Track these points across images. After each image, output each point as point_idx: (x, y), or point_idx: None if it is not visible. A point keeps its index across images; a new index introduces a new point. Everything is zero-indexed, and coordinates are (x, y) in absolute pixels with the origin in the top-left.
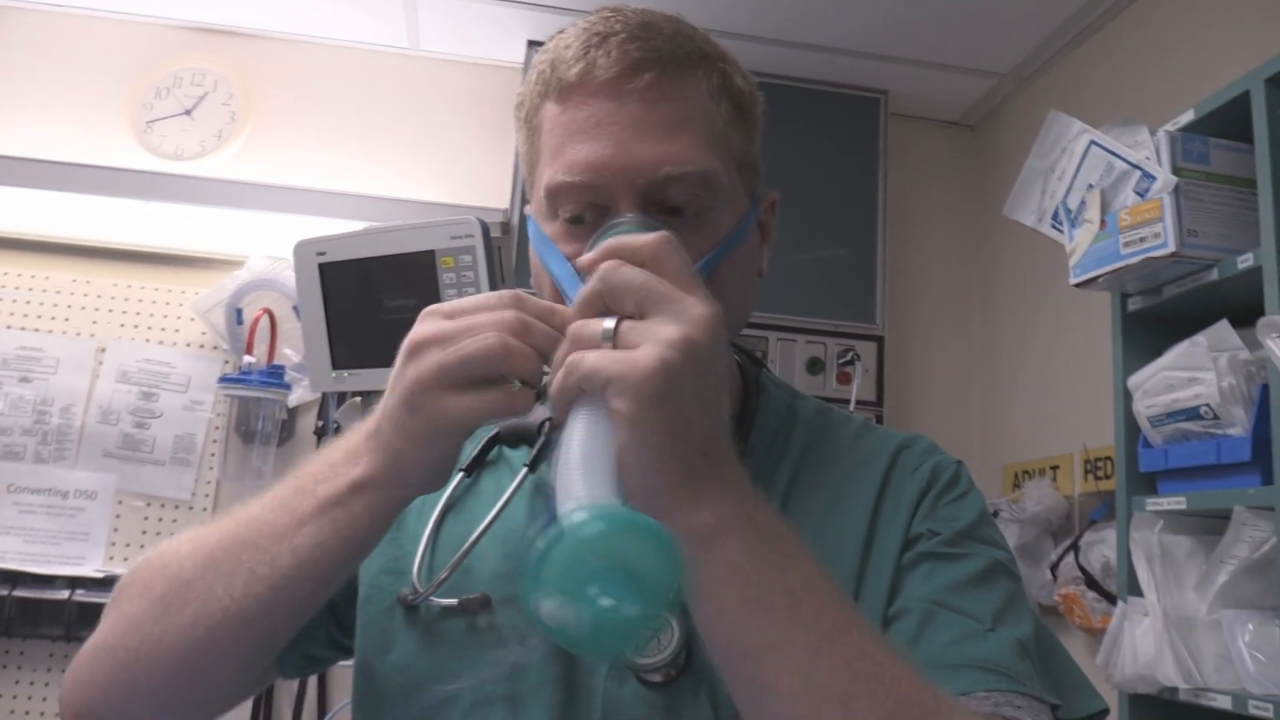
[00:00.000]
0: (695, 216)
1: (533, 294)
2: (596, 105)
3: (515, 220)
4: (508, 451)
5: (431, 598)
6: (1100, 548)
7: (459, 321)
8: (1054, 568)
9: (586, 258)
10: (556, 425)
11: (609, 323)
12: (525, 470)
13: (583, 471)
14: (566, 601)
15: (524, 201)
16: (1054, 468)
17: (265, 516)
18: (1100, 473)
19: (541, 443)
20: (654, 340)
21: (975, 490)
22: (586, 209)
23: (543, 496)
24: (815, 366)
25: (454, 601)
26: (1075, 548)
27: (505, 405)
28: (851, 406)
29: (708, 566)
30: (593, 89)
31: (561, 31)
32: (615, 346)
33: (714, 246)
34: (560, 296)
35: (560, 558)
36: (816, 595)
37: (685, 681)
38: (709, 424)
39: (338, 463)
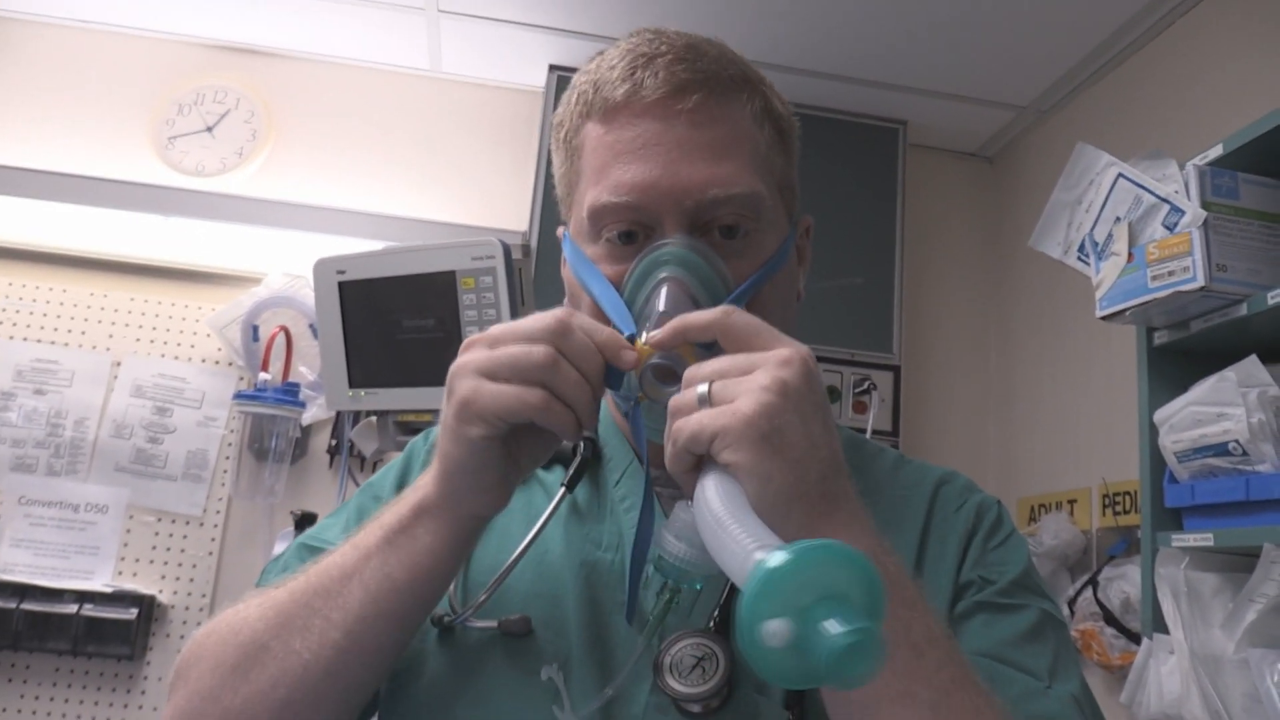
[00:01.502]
0: (740, 239)
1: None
2: (643, 126)
3: (535, 243)
4: (539, 471)
5: (469, 620)
6: (1119, 583)
7: (500, 351)
8: (1072, 603)
9: (656, 338)
10: (597, 450)
11: (702, 388)
12: (563, 490)
13: (740, 526)
14: (798, 627)
15: (546, 224)
16: (1071, 501)
17: (335, 559)
18: (1119, 507)
19: (578, 463)
20: (749, 389)
21: (1018, 533)
22: (632, 229)
23: (578, 518)
24: (831, 395)
25: (493, 623)
26: (1094, 583)
27: (544, 407)
28: (867, 436)
29: None
30: (639, 109)
31: (601, 53)
32: (713, 406)
33: (758, 269)
34: (600, 316)
35: (785, 581)
36: (937, 648)
37: (726, 714)
38: (823, 460)
39: (408, 493)
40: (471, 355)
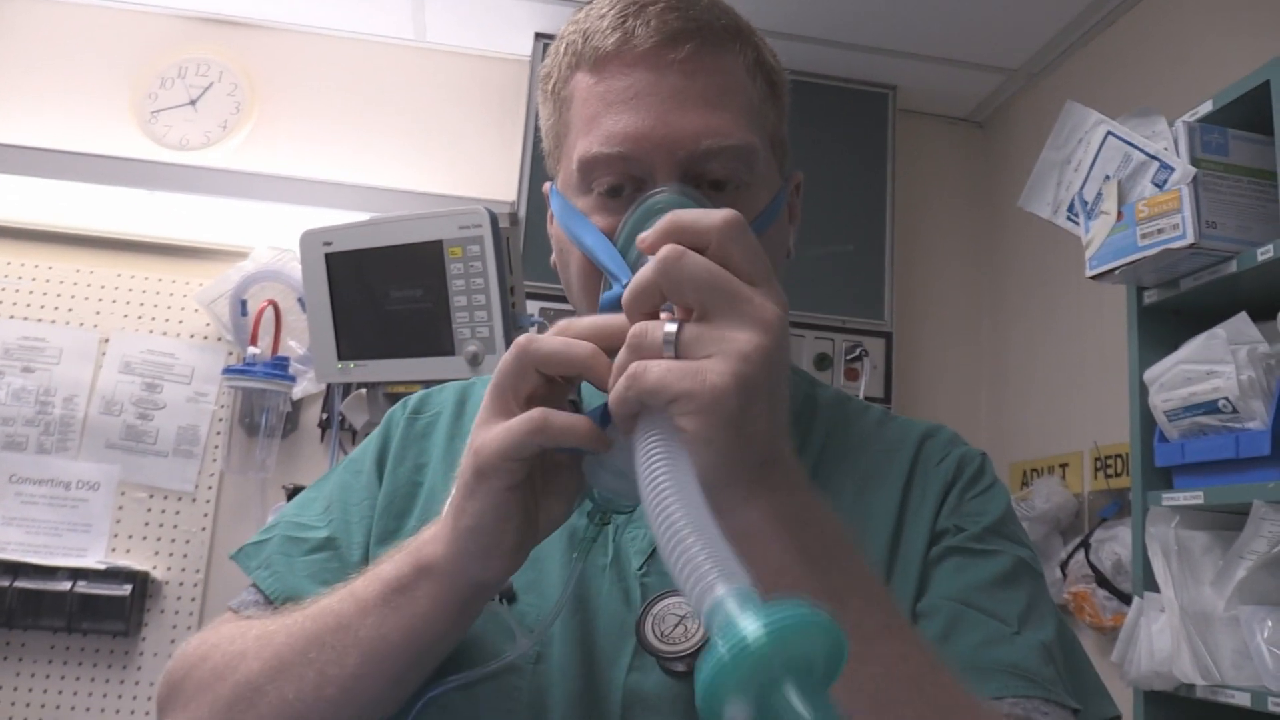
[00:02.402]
0: (733, 191)
1: (540, 324)
2: (635, 75)
3: (523, 211)
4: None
5: None
6: (1111, 545)
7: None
8: (1064, 566)
9: (647, 236)
10: (611, 439)
11: (671, 327)
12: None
13: (700, 539)
14: (756, 709)
15: (533, 193)
16: (1063, 465)
17: (334, 606)
18: (1111, 470)
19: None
20: (725, 352)
21: (1000, 483)
22: (623, 181)
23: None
24: (823, 362)
25: None
26: (1086, 545)
27: (542, 423)
28: None
29: (750, 565)
30: (631, 59)
31: (590, 3)
32: (679, 355)
33: (750, 222)
34: (591, 269)
35: (743, 673)
36: (859, 598)
37: None
38: (774, 428)
39: (412, 543)
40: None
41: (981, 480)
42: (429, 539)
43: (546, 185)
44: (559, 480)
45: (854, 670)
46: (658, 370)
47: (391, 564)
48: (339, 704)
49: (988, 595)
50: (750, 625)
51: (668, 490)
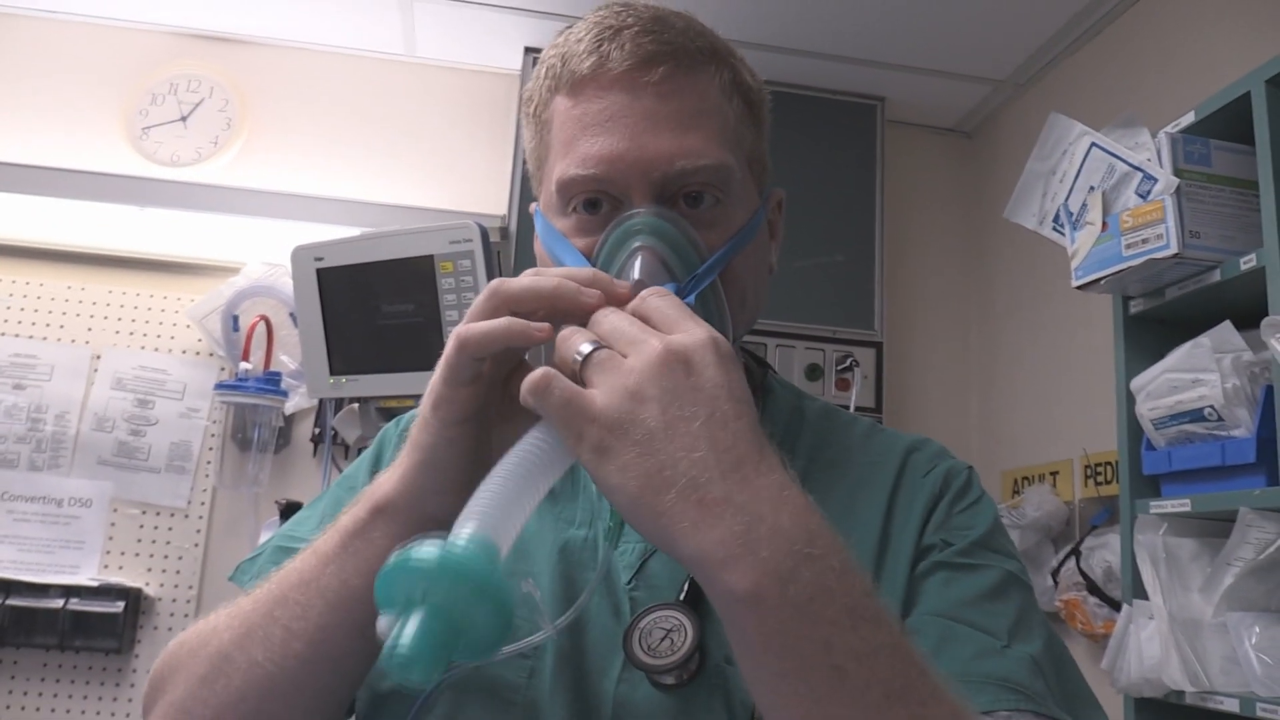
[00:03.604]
0: (708, 209)
1: None
2: (610, 98)
3: (513, 226)
4: None
5: None
6: (1102, 553)
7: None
8: (1055, 574)
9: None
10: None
11: (586, 347)
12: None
13: (498, 495)
14: (394, 615)
15: (524, 207)
16: (1054, 473)
17: (296, 565)
18: (1101, 478)
19: None
20: (613, 375)
21: (987, 497)
22: (601, 202)
23: (549, 498)
24: (814, 373)
25: None
26: (1076, 553)
27: (524, 330)
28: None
29: (740, 632)
30: (606, 82)
31: (570, 27)
32: (583, 373)
33: (726, 240)
34: None
35: (396, 574)
36: (865, 664)
37: (699, 685)
38: (697, 462)
39: (365, 491)
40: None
41: (968, 494)
42: (382, 481)
43: (532, 206)
44: (516, 420)
45: (857, 689)
46: (560, 393)
47: (348, 514)
48: (308, 659)
49: (976, 609)
50: (427, 547)
51: (519, 451)
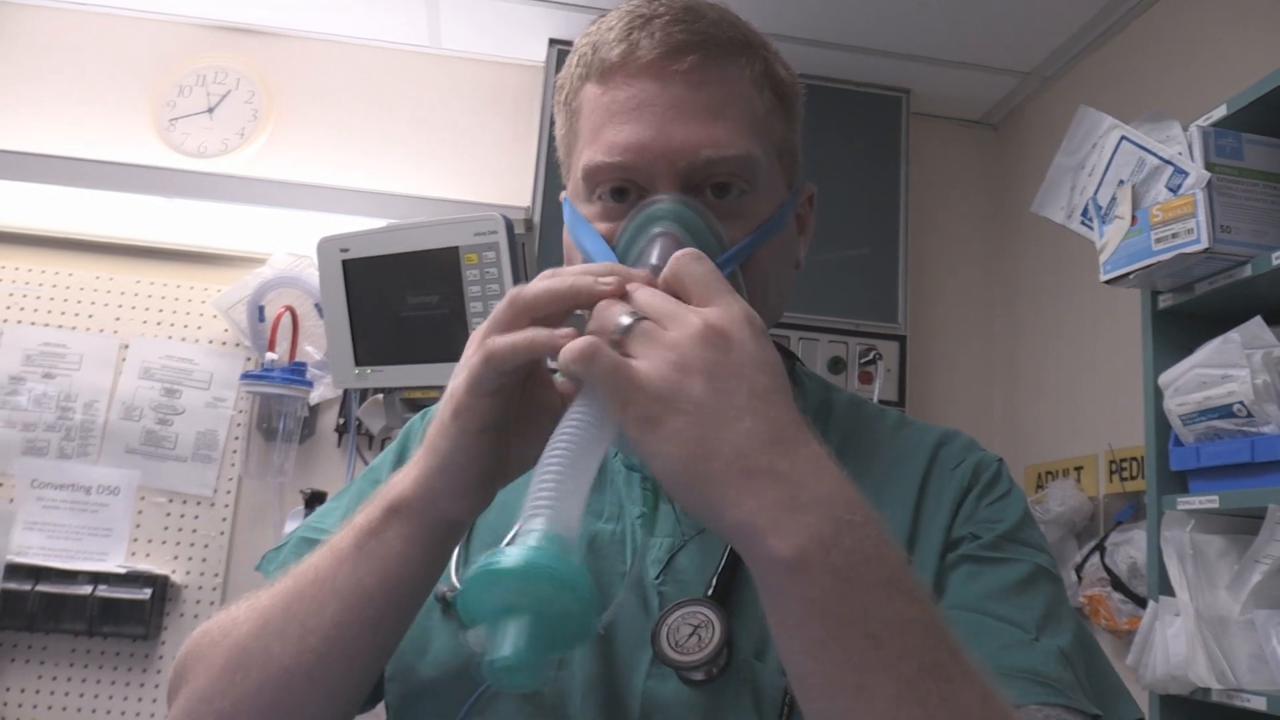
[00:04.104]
0: (734, 199)
1: None
2: (638, 86)
3: (538, 218)
4: None
5: None
6: (1126, 549)
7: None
8: (1079, 569)
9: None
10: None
11: (627, 319)
12: None
13: (556, 484)
14: (487, 629)
15: (548, 199)
16: (1078, 468)
17: (313, 561)
18: (1126, 473)
19: None
20: (656, 348)
21: (1017, 489)
22: (626, 189)
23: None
24: (837, 366)
25: None
26: (1101, 549)
27: (549, 339)
28: None
29: (784, 600)
30: (635, 70)
31: (603, 15)
32: (624, 345)
33: (750, 232)
34: None
35: (483, 584)
36: (901, 635)
37: (727, 681)
38: (744, 433)
39: (381, 489)
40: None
41: (997, 486)
42: (398, 481)
43: (562, 195)
44: (536, 423)
45: (893, 713)
46: (605, 363)
47: (364, 513)
48: (323, 654)
49: (1004, 602)
50: (510, 554)
51: (566, 434)
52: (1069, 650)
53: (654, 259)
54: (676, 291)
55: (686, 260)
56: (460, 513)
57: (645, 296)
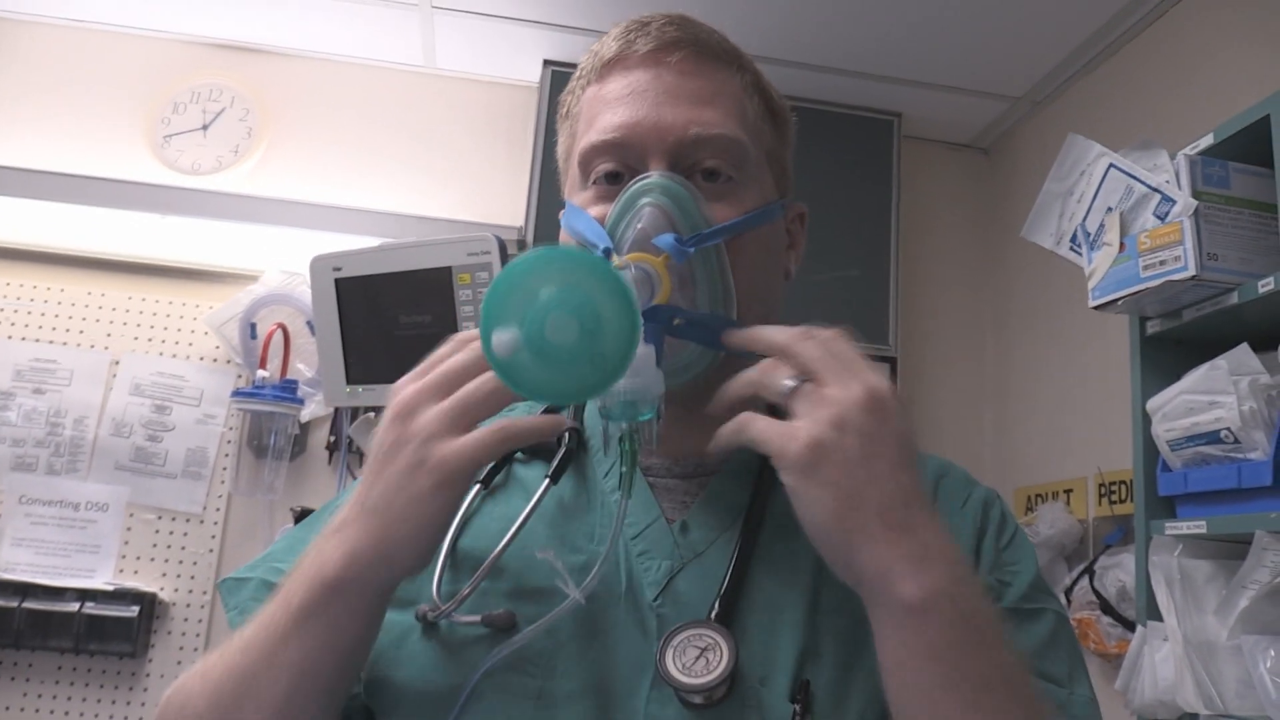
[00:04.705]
0: (722, 183)
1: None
2: (633, 76)
3: (531, 238)
4: (519, 469)
5: (453, 614)
6: (1116, 572)
7: (436, 372)
8: (1068, 592)
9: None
10: (581, 440)
11: (790, 382)
12: (546, 483)
13: None
14: (521, 329)
15: (542, 219)
16: (1068, 491)
17: (253, 638)
18: (1115, 496)
19: (562, 454)
20: (815, 416)
21: (1020, 527)
22: (618, 170)
23: (563, 513)
24: None
25: (477, 618)
26: (1090, 572)
27: (511, 430)
28: None
29: (906, 642)
30: (631, 63)
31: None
32: (789, 403)
33: (737, 216)
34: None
35: (502, 290)
36: (1005, 684)
37: (731, 706)
38: (887, 493)
39: (309, 564)
40: (425, 411)
41: (1007, 526)
42: (336, 556)
43: (561, 213)
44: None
45: (1001, 703)
46: (761, 424)
47: (297, 589)
48: None
49: (1043, 659)
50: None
51: None
52: (1094, 699)
53: (640, 224)
54: (834, 359)
55: (834, 340)
56: (406, 571)
57: (813, 351)
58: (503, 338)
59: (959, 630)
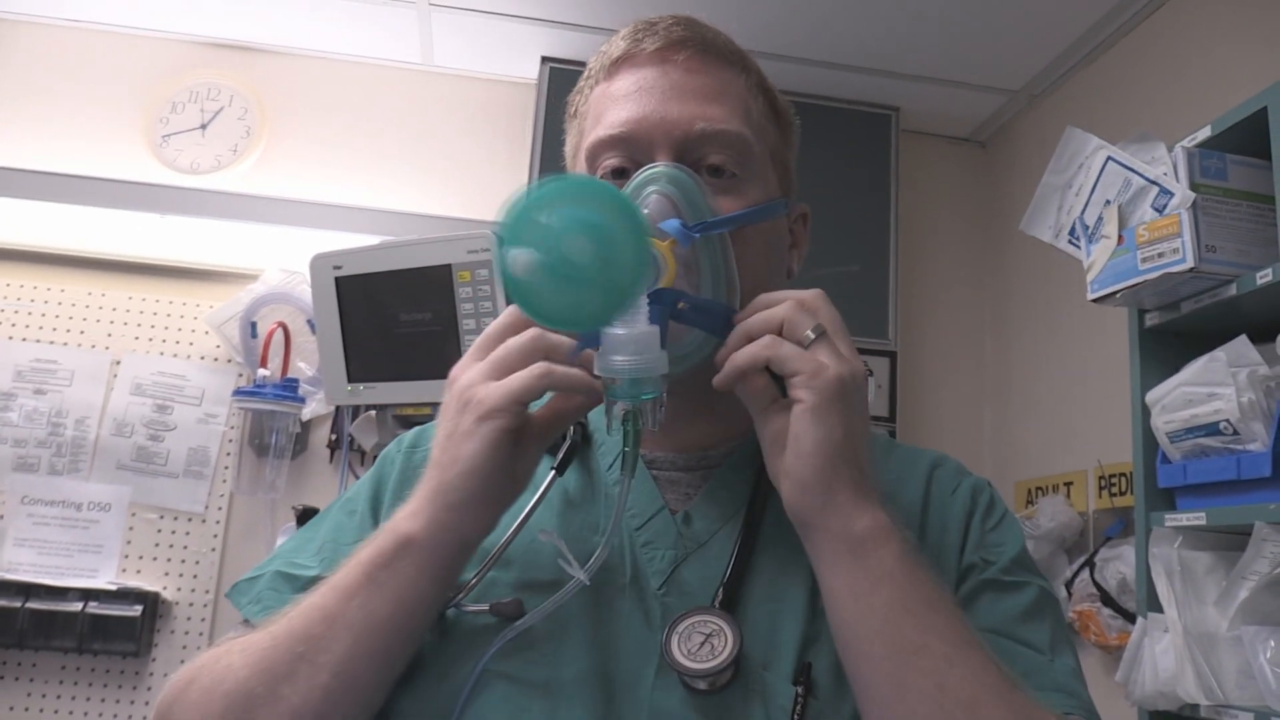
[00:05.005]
0: (727, 179)
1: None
2: (641, 73)
3: None
4: None
5: (461, 603)
6: (1116, 564)
7: (479, 338)
8: (1069, 584)
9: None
10: (586, 433)
11: (813, 332)
12: (552, 474)
13: None
14: (538, 249)
15: None
16: (1068, 484)
17: (316, 601)
18: (1115, 489)
19: (567, 446)
20: (840, 358)
21: (1010, 512)
22: (625, 165)
23: (569, 505)
24: None
25: (485, 606)
26: (1090, 564)
27: (549, 371)
28: None
29: (862, 568)
30: (639, 61)
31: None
32: (812, 347)
33: (741, 208)
34: None
35: (518, 216)
36: (948, 608)
37: (734, 691)
38: (863, 449)
39: (388, 525)
40: (469, 371)
41: (995, 511)
42: (407, 515)
43: None
44: (530, 441)
45: (947, 672)
46: (790, 349)
47: (370, 547)
48: (333, 691)
49: (1022, 627)
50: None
51: None
52: (1077, 669)
53: (646, 212)
54: (809, 311)
55: (819, 302)
56: (473, 532)
57: (829, 314)
58: (520, 256)
59: (907, 557)
